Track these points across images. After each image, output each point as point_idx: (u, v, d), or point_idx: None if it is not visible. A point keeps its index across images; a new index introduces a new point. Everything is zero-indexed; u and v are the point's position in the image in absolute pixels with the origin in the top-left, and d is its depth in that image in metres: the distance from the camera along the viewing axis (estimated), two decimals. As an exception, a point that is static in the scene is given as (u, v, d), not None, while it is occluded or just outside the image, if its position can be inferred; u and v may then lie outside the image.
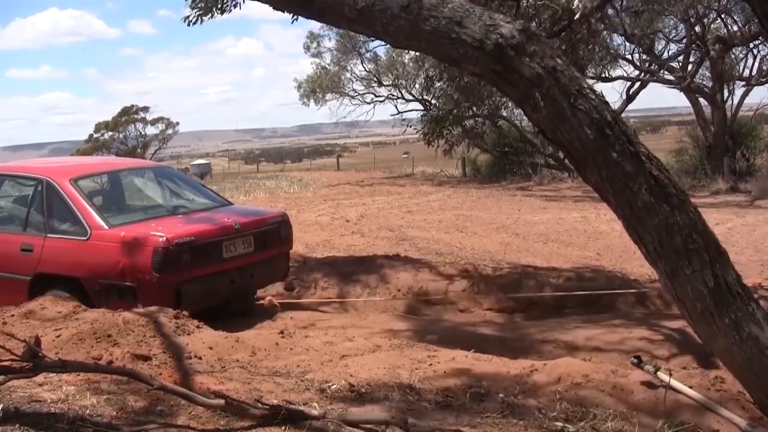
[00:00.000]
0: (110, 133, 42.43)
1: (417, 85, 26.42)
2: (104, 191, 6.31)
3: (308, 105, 28.52)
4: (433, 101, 24.18)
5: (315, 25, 27.35)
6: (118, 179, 6.51)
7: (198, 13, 8.06)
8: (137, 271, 5.16)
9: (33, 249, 5.52)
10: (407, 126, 27.12)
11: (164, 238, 5.18)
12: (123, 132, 42.50)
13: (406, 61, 25.85)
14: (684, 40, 20.41)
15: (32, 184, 5.86)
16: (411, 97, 27.41)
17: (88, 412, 2.79)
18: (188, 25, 8.23)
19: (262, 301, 6.34)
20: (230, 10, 8.04)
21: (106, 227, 5.40)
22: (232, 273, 5.68)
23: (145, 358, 3.65)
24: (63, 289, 5.31)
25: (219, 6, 7.99)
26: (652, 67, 21.15)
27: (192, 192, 6.64)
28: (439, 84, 21.83)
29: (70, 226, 5.51)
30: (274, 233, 6.06)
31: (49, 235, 5.52)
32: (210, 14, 8.10)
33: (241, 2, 7.86)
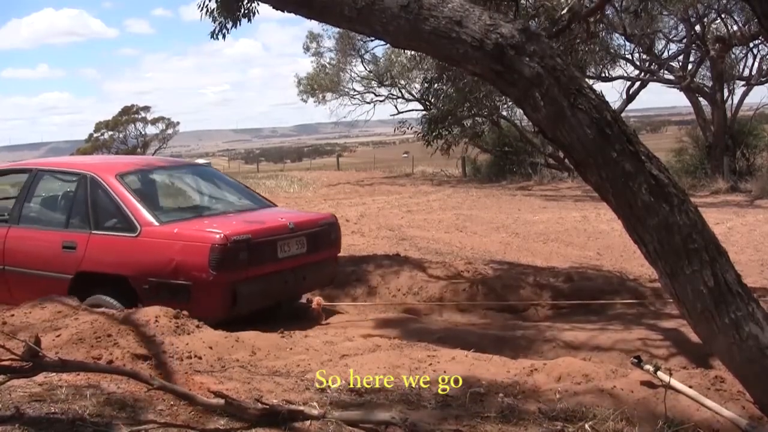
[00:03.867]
0: (110, 133, 42.35)
1: (416, 85, 26.50)
2: (149, 188, 6.07)
3: (307, 102, 28.55)
4: (432, 101, 24.18)
5: (313, 25, 27.37)
6: (161, 177, 6.34)
7: (219, 22, 7.95)
8: (192, 269, 4.97)
9: (76, 246, 5.32)
10: (407, 128, 27.16)
11: (221, 235, 5.01)
12: (123, 132, 42.44)
13: (404, 61, 25.86)
14: (684, 40, 20.41)
15: (74, 180, 5.69)
16: (411, 97, 27.45)
17: (88, 412, 2.79)
18: (217, 38, 8.12)
19: (313, 305, 6.10)
20: (251, 17, 7.90)
21: (157, 224, 5.22)
22: (285, 274, 5.51)
23: (145, 358, 3.64)
24: (107, 289, 5.16)
25: (241, 12, 7.85)
26: (652, 66, 21.15)
27: (235, 192, 6.48)
28: (437, 85, 21.83)
29: (118, 222, 5.32)
30: (325, 235, 5.90)
31: (94, 232, 5.32)
32: (234, 23, 7.97)
33: (257, 7, 7.73)
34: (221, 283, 4.98)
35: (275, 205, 6.54)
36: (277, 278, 5.44)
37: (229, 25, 8.01)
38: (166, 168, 6.69)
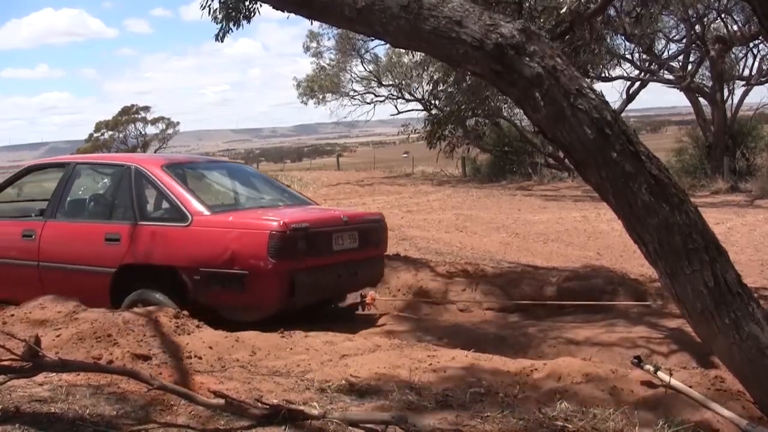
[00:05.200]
0: (110, 133, 42.38)
1: (419, 87, 26.54)
2: (193, 181, 5.87)
3: (306, 104, 28.57)
4: (436, 102, 24.21)
5: (313, 25, 27.38)
6: (201, 172, 6.24)
7: (221, 25, 8.03)
8: (250, 257, 4.82)
9: (120, 238, 5.13)
10: (410, 132, 27.18)
11: (281, 222, 4.89)
12: (123, 131, 42.45)
13: (406, 62, 25.91)
14: (684, 40, 20.43)
15: (117, 172, 5.58)
16: (411, 97, 27.47)
17: (88, 412, 2.79)
18: (221, 40, 8.21)
19: (367, 299, 6.03)
20: (252, 15, 7.98)
21: (207, 213, 5.09)
22: (339, 267, 5.38)
23: (145, 358, 3.64)
24: (152, 283, 5.03)
25: (242, 13, 7.92)
26: (652, 66, 21.16)
27: (276, 189, 6.41)
28: (444, 87, 21.83)
29: (166, 212, 5.22)
30: (374, 232, 5.79)
31: (140, 223, 5.15)
32: (236, 23, 8.05)
33: (259, 8, 7.79)
34: (280, 271, 4.84)
35: (316, 203, 6.51)
36: (332, 271, 5.33)
37: (231, 26, 8.06)
38: (204, 163, 6.68)
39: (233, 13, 7.88)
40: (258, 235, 4.85)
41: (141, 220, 5.20)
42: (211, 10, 8.06)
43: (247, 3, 7.75)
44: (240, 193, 6.17)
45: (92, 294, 5.00)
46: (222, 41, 8.22)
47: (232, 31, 8.17)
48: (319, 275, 5.14)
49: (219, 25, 8.08)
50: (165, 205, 5.29)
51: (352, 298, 6.13)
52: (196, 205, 5.13)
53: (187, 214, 5.05)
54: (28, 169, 6.41)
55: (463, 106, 21.02)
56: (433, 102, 24.89)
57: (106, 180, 5.89)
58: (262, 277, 4.84)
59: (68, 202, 5.75)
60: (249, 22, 7.96)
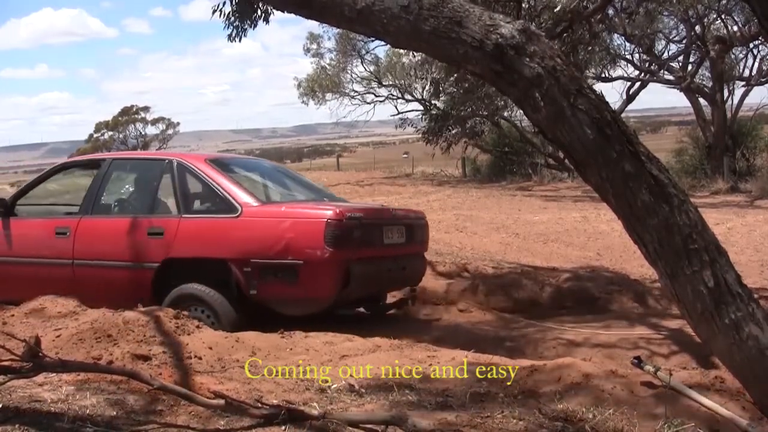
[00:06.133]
0: (110, 133, 42.37)
1: (419, 87, 26.53)
2: (236, 175, 5.71)
3: (307, 104, 28.53)
4: (436, 104, 24.19)
5: (313, 25, 27.40)
6: (240, 168, 6.14)
7: (236, 26, 8.04)
8: (305, 246, 4.76)
9: (164, 232, 5.07)
10: (409, 125, 27.15)
11: (337, 210, 4.88)
12: (123, 132, 42.45)
13: (406, 62, 25.92)
14: (684, 40, 20.46)
15: (158, 167, 5.54)
16: (411, 98, 27.47)
17: (88, 412, 2.79)
18: (232, 41, 8.25)
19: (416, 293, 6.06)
20: (267, 21, 8.02)
21: (256, 204, 5.06)
22: (389, 261, 5.38)
23: (145, 358, 3.64)
24: (198, 277, 4.96)
25: (255, 19, 7.95)
26: (652, 67, 21.19)
27: (313, 187, 6.40)
28: (445, 87, 21.83)
29: (213, 204, 5.19)
30: (419, 230, 5.81)
31: (184, 216, 5.11)
32: (253, 24, 8.08)
33: (272, 12, 7.83)
34: (336, 260, 4.77)
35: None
36: (384, 264, 5.32)
37: (247, 26, 8.08)
38: (243, 161, 6.72)
39: (251, 14, 7.89)
40: (314, 224, 4.80)
41: (185, 213, 5.16)
42: (224, 14, 8.05)
43: (261, 5, 7.76)
44: (281, 189, 6.15)
45: (132, 291, 4.95)
46: (240, 41, 8.23)
47: (246, 33, 8.20)
48: (372, 267, 5.12)
49: (232, 27, 8.08)
50: (212, 197, 5.24)
51: (398, 294, 6.12)
52: (245, 197, 5.09)
53: (236, 205, 5.00)
54: (61, 166, 6.33)
55: (461, 108, 21.02)
56: (433, 103, 24.86)
57: (147, 174, 5.78)
58: (318, 266, 4.77)
59: (106, 198, 5.69)
60: (267, 22, 7.98)
